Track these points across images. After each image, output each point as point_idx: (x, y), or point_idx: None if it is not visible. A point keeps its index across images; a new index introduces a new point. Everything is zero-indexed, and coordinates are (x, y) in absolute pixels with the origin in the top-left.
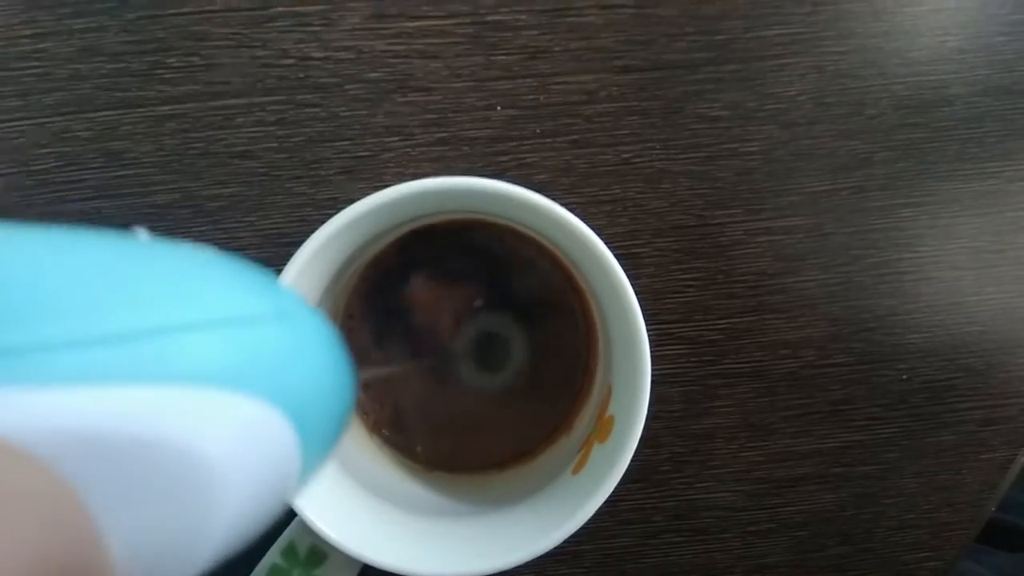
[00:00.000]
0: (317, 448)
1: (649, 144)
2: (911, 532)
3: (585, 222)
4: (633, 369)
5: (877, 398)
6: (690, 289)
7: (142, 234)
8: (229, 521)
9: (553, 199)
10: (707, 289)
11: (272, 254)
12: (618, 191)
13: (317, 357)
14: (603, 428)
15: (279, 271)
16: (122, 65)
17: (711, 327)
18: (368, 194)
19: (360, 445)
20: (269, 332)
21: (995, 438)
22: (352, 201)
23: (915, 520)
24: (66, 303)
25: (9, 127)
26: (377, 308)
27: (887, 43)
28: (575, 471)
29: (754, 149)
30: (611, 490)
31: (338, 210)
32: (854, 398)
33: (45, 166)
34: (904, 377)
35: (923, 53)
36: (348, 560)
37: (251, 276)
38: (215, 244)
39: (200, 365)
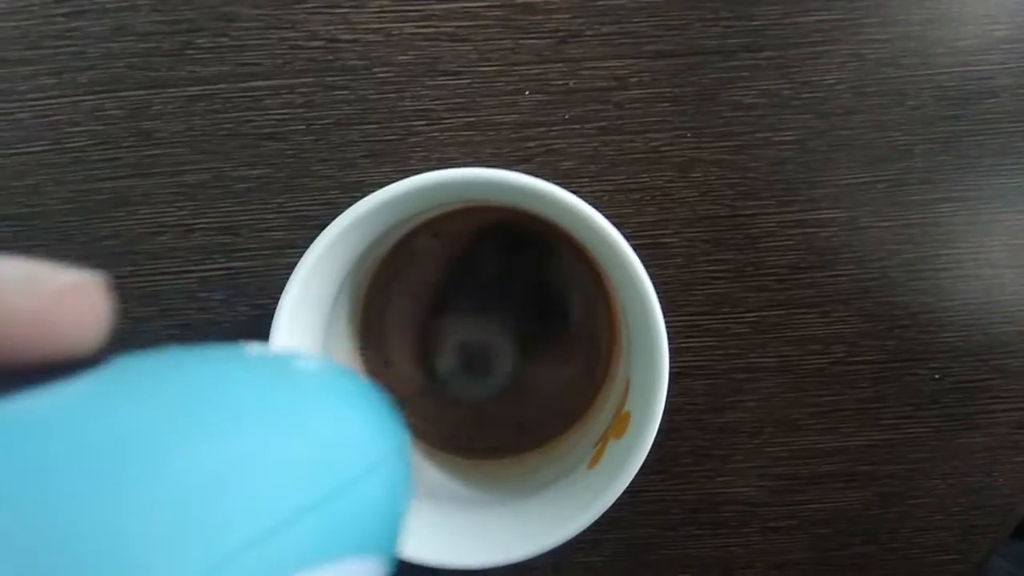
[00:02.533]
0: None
1: (680, 132)
2: (937, 534)
3: (609, 212)
4: (651, 366)
5: (908, 397)
6: (718, 281)
7: (250, 349)
8: None
9: (579, 187)
10: (736, 281)
11: (298, 236)
12: (647, 179)
13: (402, 496)
14: (619, 424)
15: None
16: (153, 45)
17: (739, 320)
18: (394, 179)
19: None
20: (368, 490)
21: None
22: (379, 185)
23: (942, 522)
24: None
25: (43, 105)
26: (398, 294)
27: (931, 31)
28: (591, 465)
29: (789, 139)
30: (624, 487)
31: (364, 193)
32: (884, 396)
33: (79, 144)
34: (937, 376)
35: (969, 42)
36: None
37: (345, 419)
38: (243, 225)
39: (321, 545)
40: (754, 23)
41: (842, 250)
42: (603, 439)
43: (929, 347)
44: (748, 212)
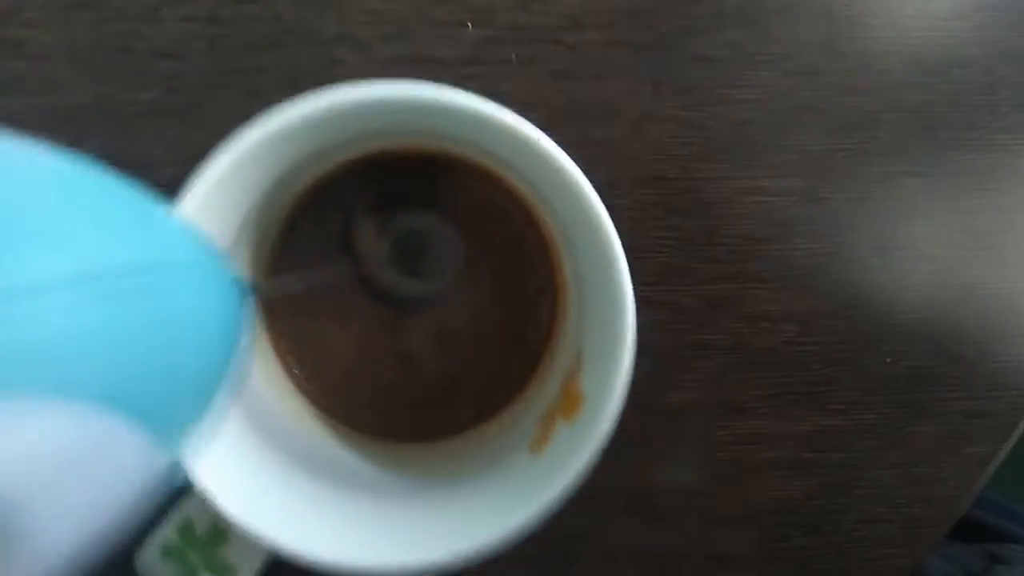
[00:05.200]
0: (185, 426)
1: (637, 82)
2: (881, 526)
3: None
4: (611, 336)
5: (858, 381)
6: (668, 249)
7: None
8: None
9: None
10: (686, 250)
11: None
12: (599, 133)
13: (176, 325)
14: (570, 403)
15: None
16: None
17: (688, 292)
18: None
19: (276, 398)
20: (131, 295)
21: (978, 432)
22: None
23: (886, 514)
24: None
25: None
26: (307, 243)
27: None
28: (534, 449)
29: (751, 97)
30: (576, 477)
31: None
32: (834, 380)
33: None
34: (888, 360)
35: (941, 5)
36: (255, 542)
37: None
38: (129, 157)
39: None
40: None
41: (799, 222)
42: (547, 418)
43: (882, 329)
44: (703, 175)
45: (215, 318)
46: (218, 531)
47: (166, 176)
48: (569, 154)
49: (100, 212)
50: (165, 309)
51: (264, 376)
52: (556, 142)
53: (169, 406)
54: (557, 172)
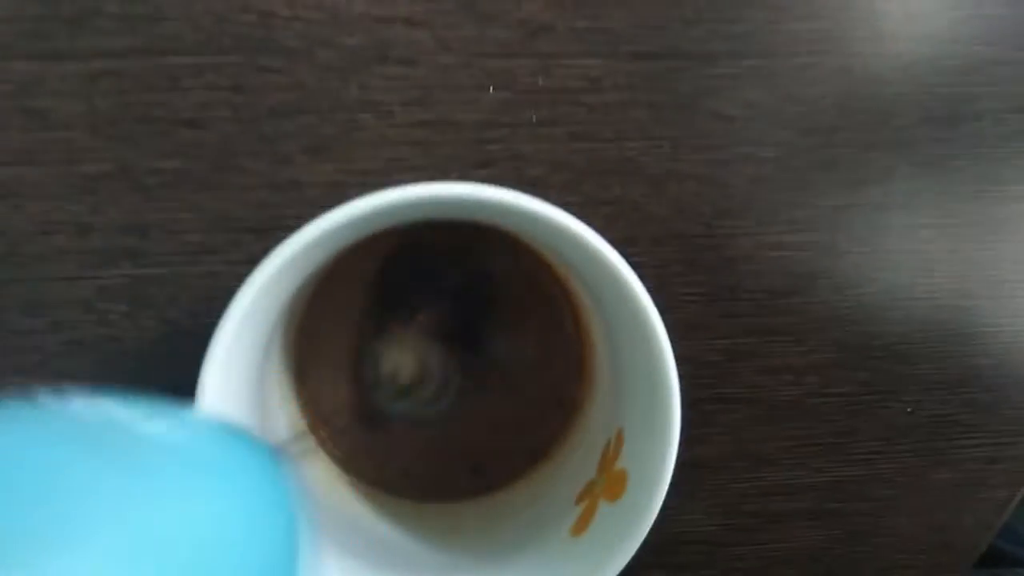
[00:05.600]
0: None
1: (656, 141)
2: (901, 573)
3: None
4: (655, 419)
5: (880, 431)
6: (691, 304)
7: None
8: None
9: (546, 197)
10: (709, 305)
11: (218, 240)
12: (618, 192)
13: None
14: (613, 484)
15: (227, 261)
16: (48, 9)
17: (711, 347)
18: (335, 179)
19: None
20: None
21: (996, 477)
22: (316, 186)
23: (906, 560)
24: None
25: None
26: (331, 321)
27: (921, 47)
28: (576, 532)
29: (770, 155)
30: (624, 563)
31: (300, 194)
32: (856, 430)
33: None
34: (909, 410)
35: (957, 62)
36: None
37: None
38: (153, 226)
39: None
40: (738, 28)
41: (819, 275)
42: (588, 498)
43: (903, 379)
44: (724, 232)
45: (270, 512)
46: None
47: (189, 243)
48: (589, 212)
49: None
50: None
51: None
52: (575, 201)
53: None
54: (600, 262)
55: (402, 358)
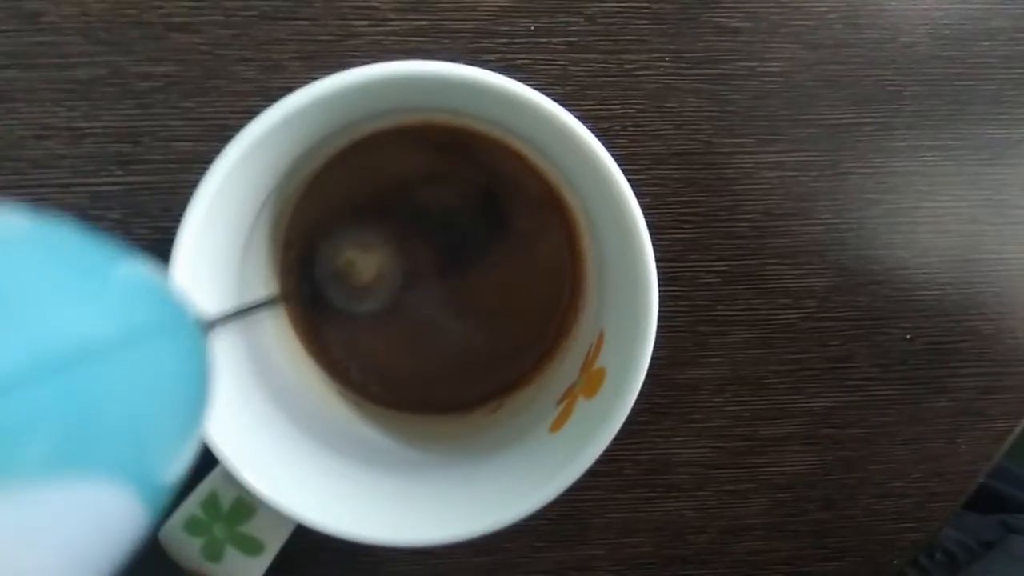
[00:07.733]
0: (164, 478)
1: (657, 55)
2: (896, 501)
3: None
4: (634, 315)
5: (877, 357)
6: (688, 225)
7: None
8: None
9: None
10: (707, 226)
11: (210, 148)
12: (617, 107)
13: (178, 397)
14: (591, 381)
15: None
16: None
17: (707, 269)
18: None
19: (298, 373)
20: (113, 369)
21: (994, 407)
22: None
23: (902, 488)
24: None
25: None
26: (324, 218)
27: None
28: (554, 428)
29: (774, 70)
30: (597, 454)
31: None
32: (853, 356)
33: None
34: (907, 337)
35: None
36: (280, 517)
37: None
38: (144, 131)
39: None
40: None
41: (820, 197)
42: (568, 396)
43: (902, 305)
44: (725, 150)
45: (184, 369)
46: (243, 506)
47: (181, 151)
48: (587, 127)
49: (55, 286)
50: (133, 374)
51: (286, 356)
52: (574, 115)
53: (149, 462)
54: (580, 149)
55: (362, 259)
